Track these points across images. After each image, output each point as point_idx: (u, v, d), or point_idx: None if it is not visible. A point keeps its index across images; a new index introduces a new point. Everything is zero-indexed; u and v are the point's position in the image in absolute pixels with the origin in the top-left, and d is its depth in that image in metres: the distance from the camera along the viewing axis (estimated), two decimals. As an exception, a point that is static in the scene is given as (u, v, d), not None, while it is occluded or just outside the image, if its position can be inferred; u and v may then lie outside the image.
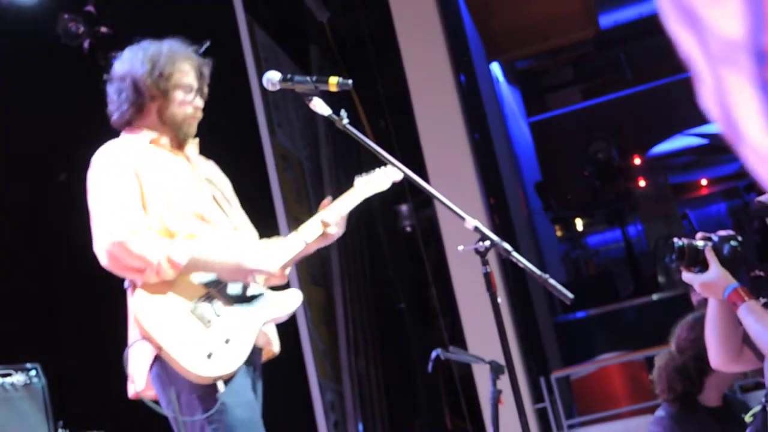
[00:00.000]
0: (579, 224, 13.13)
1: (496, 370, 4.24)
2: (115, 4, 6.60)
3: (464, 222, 2.87)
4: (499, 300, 2.87)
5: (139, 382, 2.99)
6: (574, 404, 7.40)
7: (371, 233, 8.13)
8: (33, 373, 4.81)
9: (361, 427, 7.30)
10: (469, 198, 6.71)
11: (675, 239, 2.87)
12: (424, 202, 8.05)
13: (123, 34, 6.71)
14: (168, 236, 3.00)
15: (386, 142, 6.80)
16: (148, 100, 3.18)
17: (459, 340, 6.85)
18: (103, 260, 2.98)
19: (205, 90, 3.30)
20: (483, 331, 5.78)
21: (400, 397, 8.03)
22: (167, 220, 3.03)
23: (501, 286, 6.65)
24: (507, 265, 6.78)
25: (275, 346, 3.22)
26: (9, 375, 4.70)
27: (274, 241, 3.30)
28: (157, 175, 3.10)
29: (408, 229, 8.63)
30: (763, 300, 2.85)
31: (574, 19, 9.34)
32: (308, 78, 3.12)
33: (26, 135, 6.50)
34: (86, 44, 6.52)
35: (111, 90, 3.25)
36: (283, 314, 3.13)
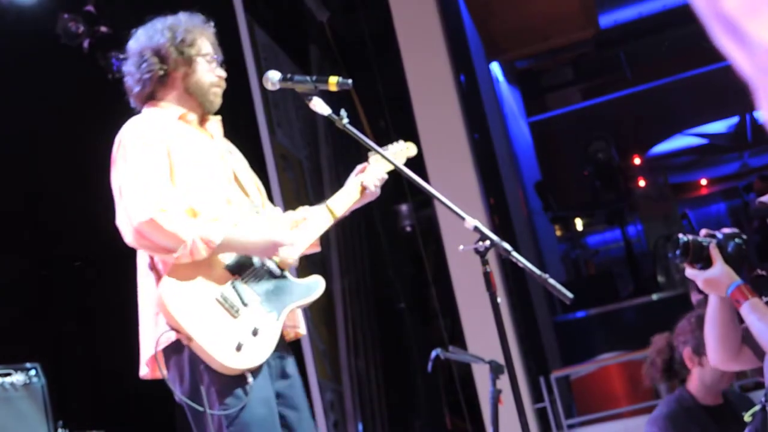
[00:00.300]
0: (579, 224, 13.13)
1: (495, 370, 4.24)
2: (114, 4, 6.60)
3: (464, 222, 2.87)
4: (499, 300, 2.87)
5: (154, 365, 2.98)
6: (573, 404, 7.40)
7: (371, 233, 8.13)
8: (32, 372, 4.81)
9: (360, 426, 7.30)
10: (468, 198, 6.71)
11: (680, 235, 2.87)
12: (423, 202, 8.04)
13: (123, 34, 6.72)
14: (192, 216, 2.95)
15: (386, 141, 6.78)
16: (172, 68, 3.13)
17: (459, 340, 6.85)
18: (128, 237, 2.91)
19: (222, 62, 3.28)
20: (483, 330, 5.79)
21: (400, 396, 8.03)
22: (193, 199, 2.98)
23: (501, 286, 6.65)
24: (507, 265, 6.78)
25: (302, 328, 3.21)
26: (8, 375, 4.70)
27: (302, 211, 3.32)
28: (187, 153, 3.05)
29: (408, 228, 8.63)
30: (765, 299, 2.86)
31: (574, 18, 9.34)
32: (308, 77, 3.12)
33: (25, 134, 6.50)
34: (86, 44, 6.52)
35: (128, 66, 3.19)
36: (307, 300, 3.13)
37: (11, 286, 6.23)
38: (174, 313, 2.82)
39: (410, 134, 6.92)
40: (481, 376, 6.32)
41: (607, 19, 10.73)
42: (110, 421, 5.32)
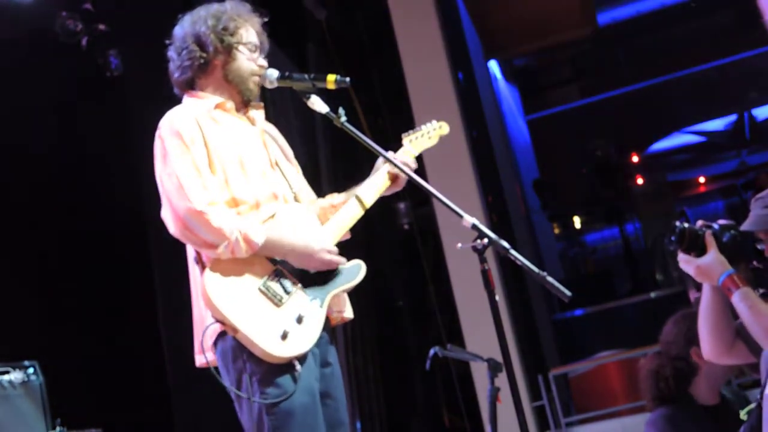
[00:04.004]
0: (577, 222, 13.15)
1: (493, 368, 4.24)
2: (112, 2, 6.60)
3: (462, 220, 2.86)
4: (497, 298, 2.87)
5: (201, 356, 2.98)
6: (572, 402, 7.40)
7: (369, 231, 8.13)
8: (31, 370, 4.81)
9: (359, 425, 7.30)
10: (467, 196, 6.72)
11: (677, 222, 2.90)
12: (422, 200, 8.04)
13: (121, 32, 6.72)
14: (233, 205, 2.97)
15: (384, 139, 6.79)
16: (212, 56, 3.13)
17: (457, 338, 6.85)
18: (174, 228, 2.92)
19: (266, 54, 3.26)
20: (481, 328, 5.79)
21: (398, 395, 8.03)
22: (234, 188, 2.99)
23: (499, 284, 6.65)
24: (505, 263, 6.78)
25: (348, 312, 3.19)
26: (7, 373, 4.71)
27: (329, 198, 3.32)
28: (225, 142, 3.05)
29: (406, 227, 8.63)
30: (761, 291, 2.87)
31: (572, 16, 9.35)
32: (306, 76, 3.12)
33: (24, 132, 6.50)
34: (84, 42, 6.52)
35: (171, 52, 3.19)
36: (350, 285, 3.10)
37: (10, 283, 6.23)
38: (219, 306, 2.83)
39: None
40: (480, 374, 6.33)
41: (605, 17, 10.74)
42: (108, 419, 5.32)
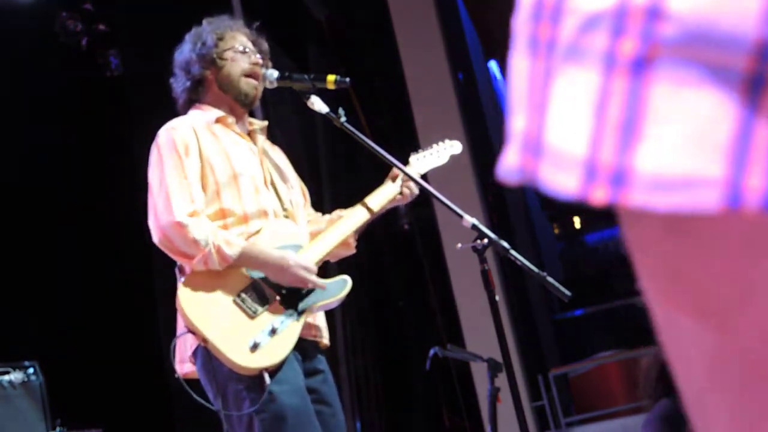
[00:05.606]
0: (577, 222, 13.13)
1: (493, 368, 4.24)
2: (112, 2, 6.60)
3: (462, 220, 2.87)
4: (497, 298, 2.87)
5: (185, 365, 2.99)
6: (572, 402, 7.40)
7: (368, 231, 8.12)
8: (31, 370, 4.81)
9: (358, 425, 7.30)
10: (466, 196, 6.71)
11: None
12: (422, 200, 8.02)
13: (121, 32, 6.72)
14: (221, 217, 2.99)
15: (384, 140, 6.79)
16: (201, 74, 3.19)
17: (457, 338, 6.85)
18: (155, 238, 2.95)
19: (266, 54, 3.29)
20: (481, 328, 5.79)
21: (398, 395, 8.03)
22: (224, 201, 3.01)
23: (499, 284, 6.64)
24: (505, 263, 6.77)
25: (325, 338, 3.18)
26: (7, 373, 4.71)
27: (336, 213, 3.34)
28: (221, 156, 3.07)
29: (406, 227, 8.62)
30: None
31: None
32: (306, 76, 3.12)
33: (24, 132, 6.49)
34: (84, 42, 6.52)
35: (172, 81, 3.28)
36: (331, 300, 3.10)
37: (9, 283, 6.22)
38: (189, 316, 2.84)
39: (408, 133, 6.93)
40: (479, 374, 6.32)
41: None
42: (108, 420, 5.32)
